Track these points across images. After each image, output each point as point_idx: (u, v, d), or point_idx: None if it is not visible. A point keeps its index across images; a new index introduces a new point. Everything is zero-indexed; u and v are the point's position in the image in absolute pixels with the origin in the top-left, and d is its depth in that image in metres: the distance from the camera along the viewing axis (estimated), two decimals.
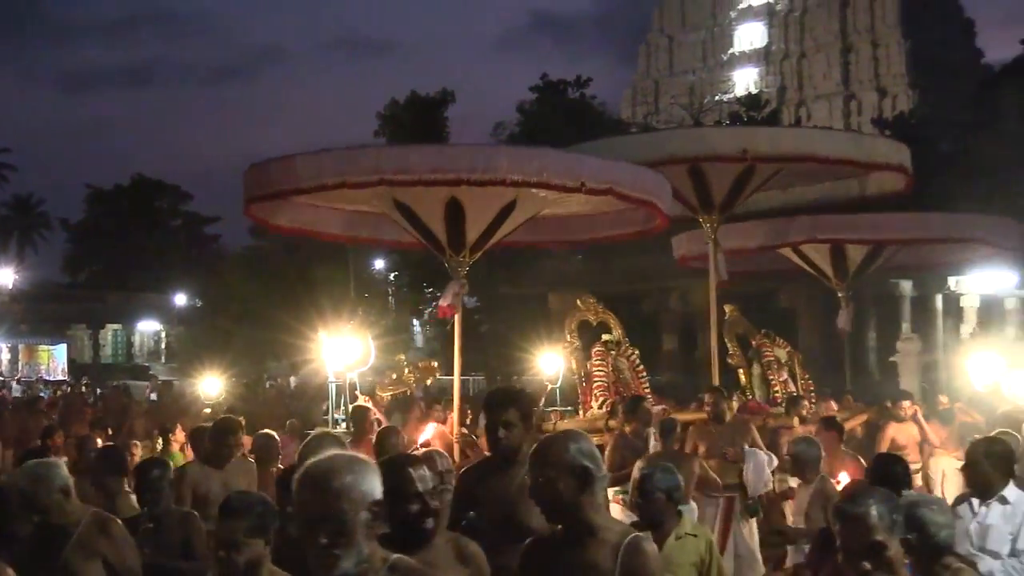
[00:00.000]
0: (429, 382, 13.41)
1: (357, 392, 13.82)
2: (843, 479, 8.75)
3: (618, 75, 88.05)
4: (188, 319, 52.92)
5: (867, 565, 3.98)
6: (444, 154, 11.24)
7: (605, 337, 14.15)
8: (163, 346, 63.77)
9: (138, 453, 12.49)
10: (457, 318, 11.70)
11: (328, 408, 14.55)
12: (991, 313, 42.08)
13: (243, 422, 9.78)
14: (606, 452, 10.72)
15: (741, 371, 15.26)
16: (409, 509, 4.17)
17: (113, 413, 20.01)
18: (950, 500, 6.85)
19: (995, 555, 6.13)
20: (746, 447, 10.88)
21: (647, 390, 13.96)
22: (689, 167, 13.89)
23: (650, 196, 11.46)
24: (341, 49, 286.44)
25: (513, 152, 11.56)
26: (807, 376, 15.90)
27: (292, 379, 35.27)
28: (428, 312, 43.66)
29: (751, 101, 61.13)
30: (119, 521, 5.90)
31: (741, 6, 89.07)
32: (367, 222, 13.56)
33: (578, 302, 14.66)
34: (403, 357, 14.37)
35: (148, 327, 64.05)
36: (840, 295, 17.00)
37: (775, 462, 10.81)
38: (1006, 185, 37.37)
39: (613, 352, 13.96)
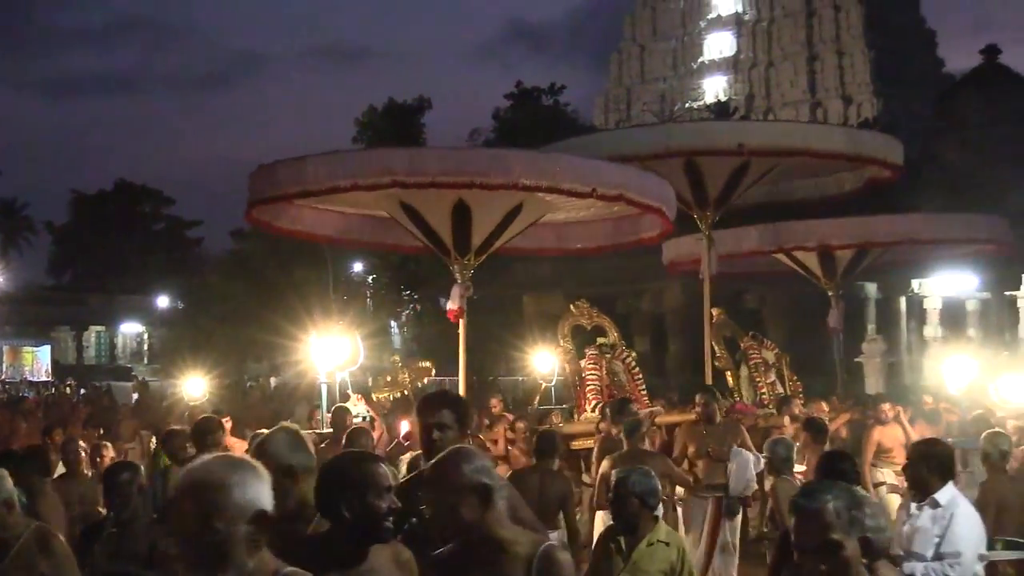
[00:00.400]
0: (424, 383, 13.29)
1: (348, 392, 13.62)
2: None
3: (591, 83, 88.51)
4: (170, 321, 52.84)
5: (822, 566, 3.69)
6: (455, 157, 11.08)
7: (600, 340, 13.91)
8: (146, 347, 63.63)
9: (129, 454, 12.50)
10: (462, 321, 11.68)
11: (320, 408, 14.45)
12: (953, 315, 42.46)
13: (225, 422, 9.78)
14: (593, 454, 10.76)
15: (728, 373, 15.12)
16: (376, 505, 3.87)
17: (99, 414, 19.96)
18: None
19: (920, 557, 6.05)
20: (734, 447, 10.74)
21: (643, 393, 13.69)
22: (685, 162, 13.76)
23: (658, 202, 11.31)
24: (321, 57, 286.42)
25: (524, 156, 11.16)
26: (795, 377, 15.67)
27: (272, 380, 35.32)
28: (405, 314, 43.76)
29: (720, 108, 61.53)
30: (61, 537, 5.68)
31: (710, 16, 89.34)
32: (367, 226, 13.39)
33: (571, 307, 14.35)
34: (397, 358, 14.19)
35: (131, 329, 63.90)
36: (830, 295, 16.98)
37: (762, 463, 10.33)
38: (968, 190, 37.78)
39: (608, 355, 13.68)
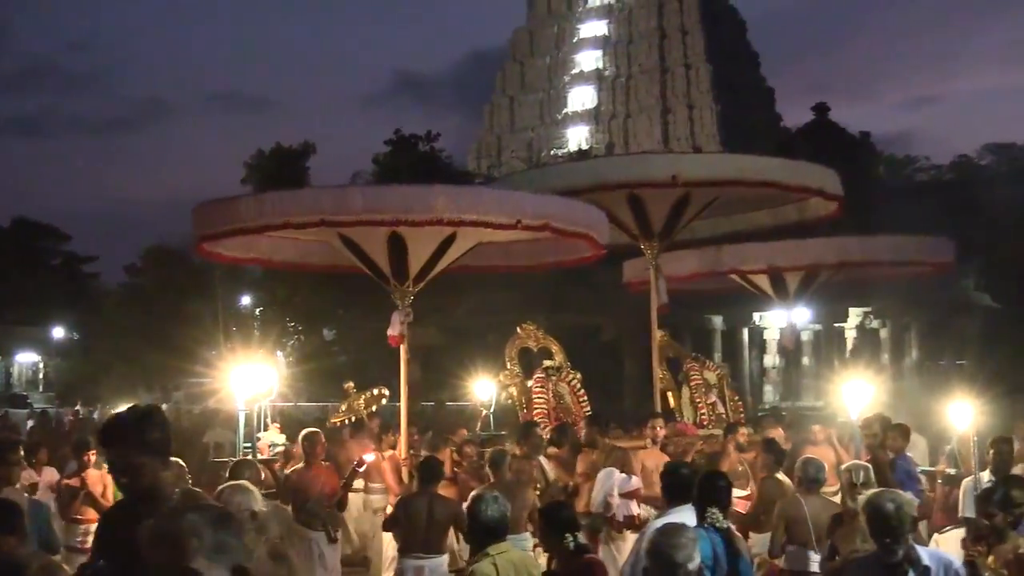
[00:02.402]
0: (374, 408, 12.78)
1: (268, 420, 13.06)
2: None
3: (470, 131, 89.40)
4: (66, 351, 51.71)
5: None
6: (382, 194, 10.65)
7: (546, 363, 13.39)
8: (41, 376, 62.07)
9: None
10: (403, 347, 11.17)
11: (237, 436, 13.85)
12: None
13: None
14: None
15: (670, 394, 14.39)
16: None
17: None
18: None
19: None
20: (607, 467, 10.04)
21: (588, 414, 12.71)
22: (627, 195, 13.19)
23: (586, 229, 10.91)
24: (220, 104, 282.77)
25: (450, 191, 10.72)
26: (736, 398, 15.18)
27: (164, 407, 34.80)
28: (290, 344, 43.50)
29: (582, 156, 62.27)
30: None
31: (574, 71, 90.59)
32: (322, 251, 12.72)
33: (519, 329, 13.84)
34: (351, 385, 13.60)
35: (26, 359, 62.25)
36: (785, 313, 16.47)
37: (632, 484, 9.93)
38: (799, 234, 38.80)
39: (554, 378, 13.20)
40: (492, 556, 5.44)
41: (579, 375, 13.55)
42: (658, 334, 14.72)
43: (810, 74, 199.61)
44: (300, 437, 10.76)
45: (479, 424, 13.95)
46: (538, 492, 9.89)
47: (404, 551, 8.89)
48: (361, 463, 9.92)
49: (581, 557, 5.74)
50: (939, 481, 10.32)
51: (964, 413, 10.00)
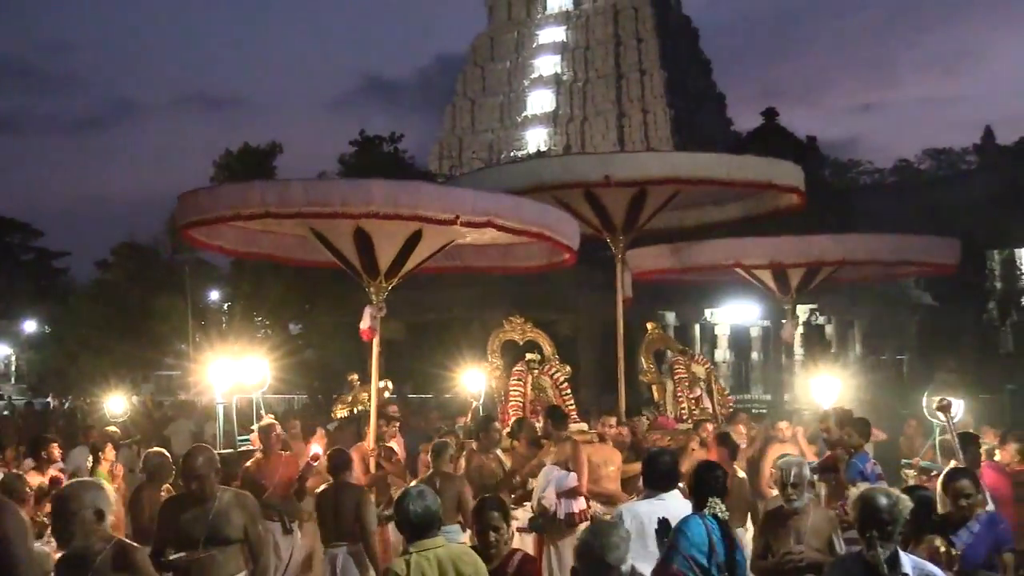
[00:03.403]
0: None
1: (262, 412, 12.82)
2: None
3: (433, 133, 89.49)
4: (37, 344, 51.15)
5: None
6: (312, 188, 10.17)
7: (528, 356, 12.86)
8: (13, 368, 61.42)
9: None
10: (376, 341, 10.90)
11: (217, 428, 13.51)
12: (739, 340, 44.05)
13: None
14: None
15: (655, 388, 13.91)
16: None
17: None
18: None
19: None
20: (547, 463, 9.77)
21: (571, 408, 12.45)
22: (584, 192, 12.87)
23: (534, 226, 10.41)
24: (191, 104, 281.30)
25: (388, 185, 10.20)
26: (725, 392, 14.79)
27: (134, 399, 34.49)
28: (258, 338, 43.18)
29: (541, 157, 62.36)
30: (143, 551, 5.47)
31: (533, 75, 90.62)
32: (302, 245, 12.27)
33: (504, 322, 13.39)
34: (355, 377, 13.15)
35: None
36: (785, 308, 15.48)
37: (570, 482, 9.57)
38: (751, 234, 39.06)
39: (536, 371, 12.69)
40: (412, 553, 5.20)
41: (567, 368, 13.08)
42: (650, 326, 14.48)
43: (760, 81, 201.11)
44: (257, 428, 10.72)
45: (469, 416, 13.49)
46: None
47: (323, 542, 8.94)
48: (316, 457, 9.78)
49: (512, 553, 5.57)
50: (914, 474, 10.02)
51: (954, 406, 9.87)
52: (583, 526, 8.87)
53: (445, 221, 9.70)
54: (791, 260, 14.50)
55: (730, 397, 14.68)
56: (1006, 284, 41.60)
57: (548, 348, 13.20)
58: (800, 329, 45.10)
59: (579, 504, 9.54)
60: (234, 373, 12.18)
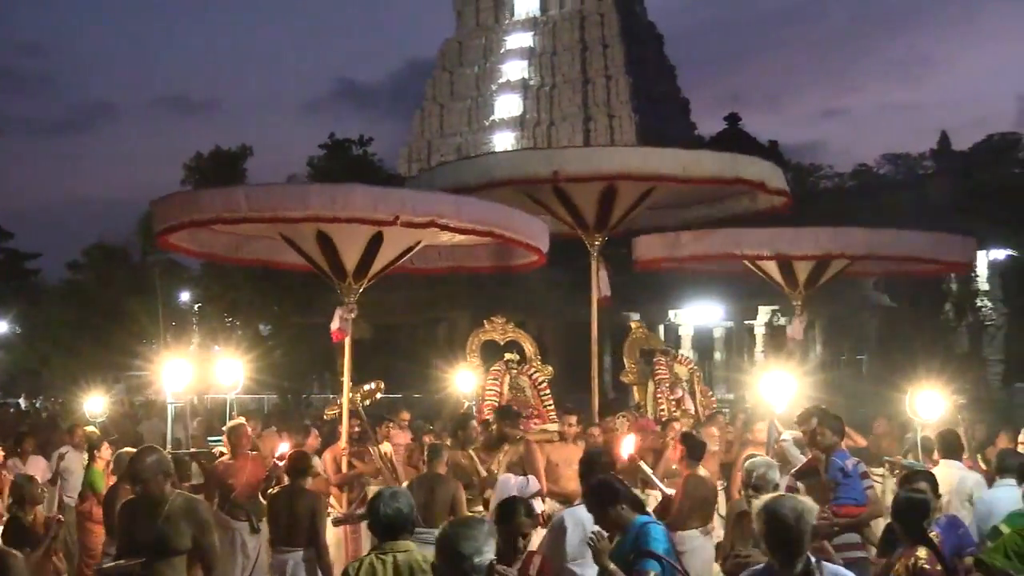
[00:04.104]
0: (368, 402, 12.25)
1: (235, 413, 12.67)
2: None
3: (403, 137, 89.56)
4: (8, 345, 50.69)
5: None
6: (265, 193, 10.13)
7: (507, 356, 12.57)
8: None
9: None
10: (347, 341, 10.76)
11: (184, 429, 13.22)
12: (702, 340, 44.23)
13: None
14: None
15: (636, 388, 13.59)
16: None
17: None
18: None
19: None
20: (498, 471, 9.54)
21: (549, 408, 12.22)
22: (553, 188, 12.45)
23: (480, 225, 10.21)
24: (168, 107, 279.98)
25: (324, 190, 10.24)
26: (710, 393, 14.30)
27: (106, 399, 34.14)
28: (227, 340, 42.96)
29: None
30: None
31: (501, 80, 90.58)
32: (276, 247, 11.97)
33: (485, 322, 13.09)
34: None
35: None
36: (795, 304, 13.92)
37: (531, 488, 9.34)
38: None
39: (514, 371, 12.37)
40: (370, 556, 5.09)
41: (548, 368, 12.77)
42: (634, 325, 14.27)
43: (723, 86, 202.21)
44: (226, 429, 10.65)
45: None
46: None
47: (271, 544, 8.81)
48: (282, 456, 9.72)
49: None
50: (896, 471, 9.78)
51: (931, 404, 9.63)
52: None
53: (384, 222, 9.62)
54: (799, 252, 13.25)
55: (713, 398, 14.10)
56: (961, 286, 41.93)
57: (530, 348, 12.98)
58: (762, 330, 45.38)
59: (538, 506, 9.15)
60: (188, 373, 12.08)
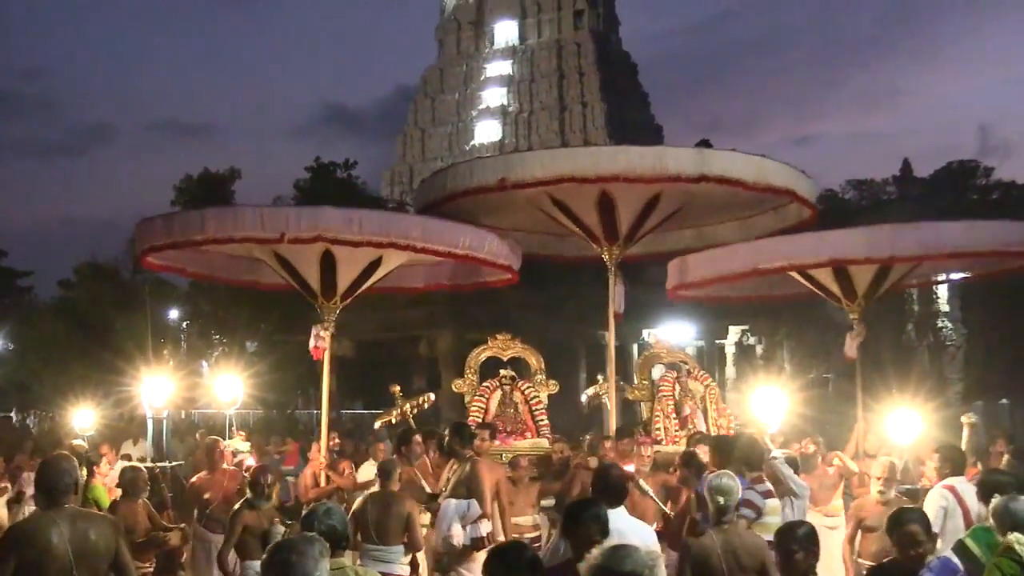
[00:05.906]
0: (423, 408, 11.87)
1: (235, 429, 12.57)
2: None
3: (388, 161, 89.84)
4: (0, 360, 50.30)
5: None
6: (215, 217, 10.15)
7: (503, 372, 12.33)
8: None
9: None
10: (326, 356, 10.65)
11: (163, 442, 13.17)
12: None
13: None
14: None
15: (644, 405, 12.72)
16: None
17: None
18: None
19: None
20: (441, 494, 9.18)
21: (543, 424, 12.08)
22: (599, 192, 11.37)
23: (462, 249, 10.17)
24: (162, 130, 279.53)
25: (217, 213, 10.32)
26: (727, 411, 13.00)
27: (94, 414, 33.90)
28: (214, 356, 42.80)
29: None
30: None
31: (481, 107, 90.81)
32: (255, 267, 12.01)
33: (489, 339, 12.79)
34: (398, 389, 12.25)
35: None
36: (852, 318, 12.23)
37: (474, 512, 8.88)
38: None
39: (507, 387, 12.18)
40: None
41: (551, 384, 12.49)
42: (653, 340, 13.44)
43: (696, 114, 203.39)
44: (203, 444, 10.60)
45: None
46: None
47: (240, 556, 8.62)
48: (242, 463, 9.87)
49: None
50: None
51: (911, 425, 9.35)
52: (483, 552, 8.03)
53: (270, 240, 9.70)
54: (858, 256, 11.28)
55: (731, 416, 12.80)
56: (922, 307, 42.18)
57: (535, 364, 12.66)
58: (732, 349, 45.54)
59: (484, 527, 8.88)
60: (168, 389, 12.08)
